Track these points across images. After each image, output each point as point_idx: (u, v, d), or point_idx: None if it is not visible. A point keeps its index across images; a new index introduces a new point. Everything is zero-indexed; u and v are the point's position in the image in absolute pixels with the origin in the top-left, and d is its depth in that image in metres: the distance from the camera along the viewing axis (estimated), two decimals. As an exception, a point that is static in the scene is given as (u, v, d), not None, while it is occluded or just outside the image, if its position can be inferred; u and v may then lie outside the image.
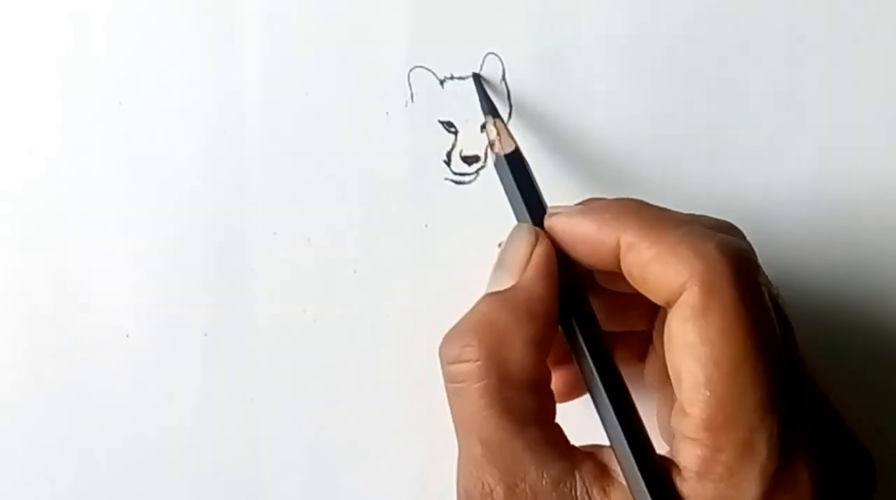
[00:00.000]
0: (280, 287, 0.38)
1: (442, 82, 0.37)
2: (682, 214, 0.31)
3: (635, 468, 0.28)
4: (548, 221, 0.32)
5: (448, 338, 0.30)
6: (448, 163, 0.37)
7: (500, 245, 0.32)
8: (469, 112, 0.37)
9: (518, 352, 0.29)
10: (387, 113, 0.37)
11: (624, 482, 0.29)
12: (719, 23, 0.37)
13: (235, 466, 0.38)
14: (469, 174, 0.37)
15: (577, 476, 0.29)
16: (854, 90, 0.37)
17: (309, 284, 0.38)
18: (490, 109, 0.35)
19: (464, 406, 0.29)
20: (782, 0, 0.37)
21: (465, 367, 0.29)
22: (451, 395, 0.30)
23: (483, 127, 0.36)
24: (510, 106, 0.37)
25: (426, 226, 0.37)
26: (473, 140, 0.37)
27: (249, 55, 0.37)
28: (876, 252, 0.37)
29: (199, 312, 0.38)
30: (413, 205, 0.37)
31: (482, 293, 0.31)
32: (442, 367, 0.30)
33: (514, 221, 0.33)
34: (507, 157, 0.34)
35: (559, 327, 0.31)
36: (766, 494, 0.27)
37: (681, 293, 0.27)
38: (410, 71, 0.37)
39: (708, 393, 0.27)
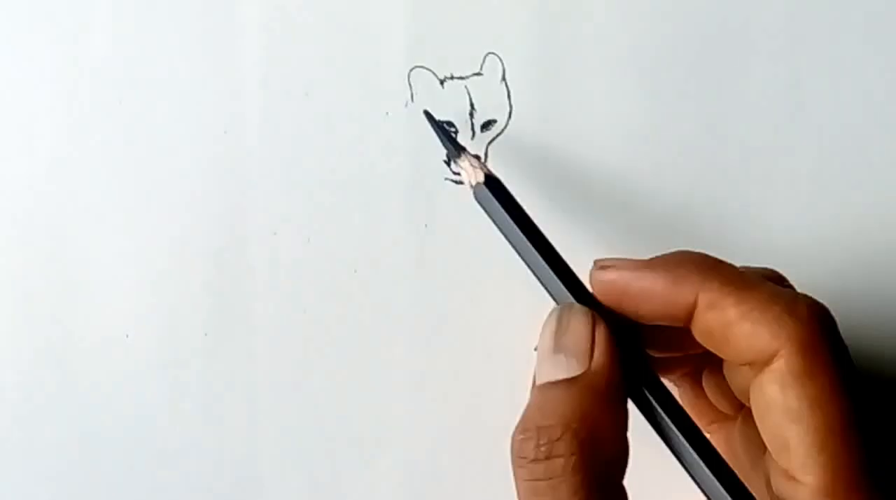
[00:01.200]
0: (280, 287, 0.38)
1: (442, 82, 0.37)
2: (750, 268, 0.30)
3: None
4: (604, 275, 0.30)
5: (526, 435, 0.28)
6: (448, 163, 0.37)
7: (535, 349, 0.30)
8: (469, 112, 0.37)
9: (611, 438, 0.28)
10: (387, 113, 0.37)
11: None
12: (719, 23, 0.37)
13: (235, 466, 0.38)
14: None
15: None
16: (854, 90, 0.37)
17: (309, 284, 0.38)
18: (453, 149, 0.35)
19: (555, 496, 0.27)
20: (782, 0, 0.37)
21: (558, 462, 0.27)
22: (535, 494, 0.28)
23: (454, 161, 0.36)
24: (510, 106, 0.37)
25: (426, 226, 0.37)
26: (473, 140, 0.37)
27: (249, 55, 0.37)
28: (876, 252, 0.37)
29: (199, 312, 0.38)
30: (413, 205, 0.37)
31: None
32: (521, 466, 0.28)
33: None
34: (487, 184, 0.33)
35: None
36: None
37: (771, 356, 0.27)
38: (410, 71, 0.37)
39: (823, 459, 0.26)
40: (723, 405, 0.34)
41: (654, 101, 0.37)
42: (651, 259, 0.30)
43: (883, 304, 0.37)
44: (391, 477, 0.38)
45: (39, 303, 0.38)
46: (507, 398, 0.38)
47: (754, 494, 0.28)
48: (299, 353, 0.38)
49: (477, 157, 0.35)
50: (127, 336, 0.38)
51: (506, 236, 0.33)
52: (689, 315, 0.28)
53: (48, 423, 0.38)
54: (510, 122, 0.37)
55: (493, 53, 0.37)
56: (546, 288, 0.32)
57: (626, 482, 0.29)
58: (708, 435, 0.31)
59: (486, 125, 0.37)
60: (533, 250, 0.32)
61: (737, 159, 0.37)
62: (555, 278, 0.31)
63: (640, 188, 0.37)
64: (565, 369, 0.29)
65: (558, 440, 0.28)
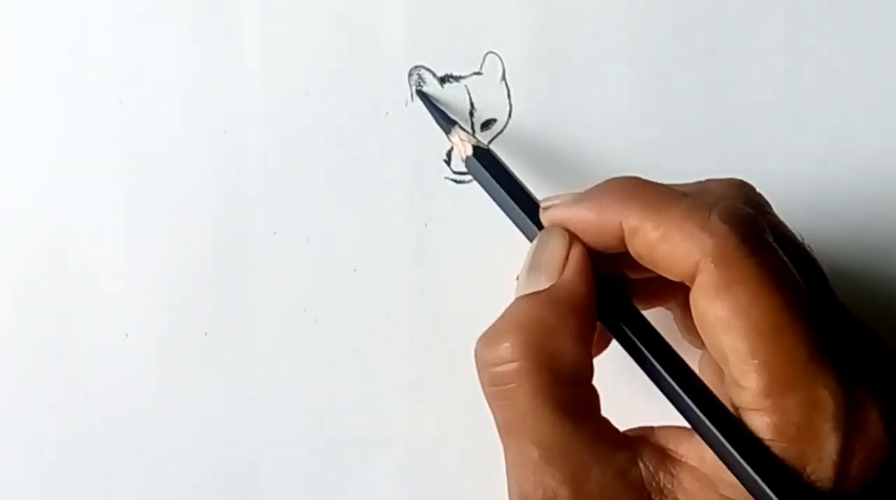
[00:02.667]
0: (280, 287, 0.38)
1: (442, 82, 0.37)
2: (684, 185, 0.30)
3: (726, 445, 0.27)
4: (543, 215, 0.31)
5: (486, 339, 0.29)
6: (448, 162, 0.37)
7: (517, 278, 0.31)
8: (469, 111, 0.37)
9: (568, 348, 0.28)
10: (387, 112, 0.37)
11: (688, 461, 0.28)
12: (719, 23, 0.37)
13: (235, 466, 0.38)
14: (469, 174, 0.37)
15: (641, 464, 0.28)
16: (854, 90, 0.37)
17: (309, 284, 0.38)
18: (445, 123, 0.36)
19: (513, 409, 0.28)
20: (782, 0, 0.37)
21: (511, 367, 0.28)
22: (496, 398, 0.29)
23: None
24: (510, 106, 0.37)
25: (426, 226, 0.37)
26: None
27: (249, 55, 0.37)
28: (877, 252, 0.37)
29: (199, 312, 0.38)
30: (413, 205, 0.37)
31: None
32: (480, 371, 0.29)
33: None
34: (477, 155, 0.34)
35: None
36: (843, 440, 0.26)
37: (695, 270, 0.27)
38: (410, 70, 0.37)
39: (756, 362, 0.26)
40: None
41: (654, 100, 0.37)
42: (583, 192, 0.31)
43: (883, 304, 0.37)
44: (391, 477, 0.38)
45: (39, 303, 0.38)
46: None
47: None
48: (299, 353, 0.38)
49: (466, 131, 0.35)
50: (127, 336, 0.38)
51: (500, 206, 0.33)
52: (623, 242, 0.29)
53: (48, 423, 0.38)
54: (510, 121, 0.37)
55: (493, 53, 0.37)
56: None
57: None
58: (701, 356, 0.32)
59: (486, 125, 0.37)
60: (523, 215, 0.33)
61: (737, 159, 0.37)
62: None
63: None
64: (536, 283, 0.30)
65: (512, 345, 0.28)
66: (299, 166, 0.37)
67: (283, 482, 0.38)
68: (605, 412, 0.30)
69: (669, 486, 0.28)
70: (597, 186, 0.30)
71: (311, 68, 0.37)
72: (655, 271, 0.29)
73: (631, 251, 0.29)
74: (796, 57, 0.37)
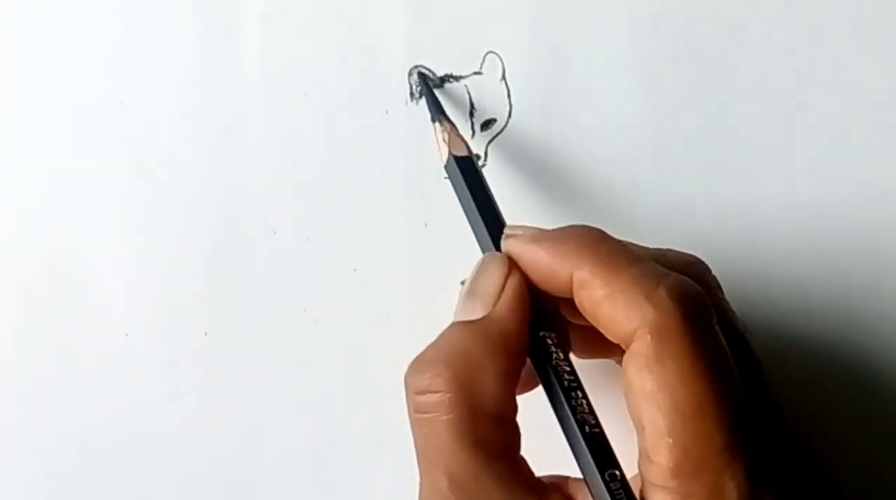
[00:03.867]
0: (280, 287, 0.38)
1: (442, 82, 0.37)
2: (642, 249, 0.30)
3: None
4: (504, 244, 0.31)
5: (416, 366, 0.29)
6: (448, 162, 0.37)
7: (462, 283, 0.31)
8: (469, 111, 0.37)
9: (490, 386, 0.28)
10: (387, 112, 0.37)
11: None
12: (719, 23, 0.37)
13: (235, 466, 0.38)
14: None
15: None
16: (854, 90, 0.37)
17: (309, 284, 0.38)
18: (436, 113, 0.35)
19: (430, 438, 0.28)
20: (782, 0, 0.37)
21: (434, 398, 0.28)
22: (417, 425, 0.29)
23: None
24: (510, 106, 0.37)
25: (426, 225, 0.37)
26: (473, 139, 0.37)
27: (249, 55, 0.37)
28: (876, 254, 0.37)
29: (199, 312, 0.38)
30: (413, 204, 0.37)
31: None
32: (407, 395, 0.29)
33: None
34: (458, 160, 0.34)
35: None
36: None
37: (630, 338, 0.27)
38: (410, 70, 0.37)
39: (671, 440, 0.26)
40: None
41: (654, 100, 0.37)
42: (544, 232, 0.30)
43: (884, 303, 0.37)
44: (391, 477, 0.38)
45: (39, 303, 0.38)
46: (507, 398, 0.38)
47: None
48: (299, 353, 0.38)
49: (453, 126, 0.35)
50: (127, 336, 0.38)
51: (466, 215, 0.33)
52: (571, 290, 0.29)
53: (48, 423, 0.38)
54: (510, 121, 0.37)
55: (493, 52, 0.37)
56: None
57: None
58: None
59: (486, 124, 0.37)
60: (485, 231, 0.32)
61: (737, 159, 0.37)
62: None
63: (639, 187, 0.37)
64: (472, 310, 0.30)
65: (438, 375, 0.28)
66: (299, 166, 0.37)
67: (283, 482, 0.38)
68: (532, 450, 0.30)
69: None
70: (560, 228, 0.30)
71: (311, 68, 0.37)
72: (595, 326, 0.29)
73: (576, 302, 0.29)
74: (796, 57, 0.37)
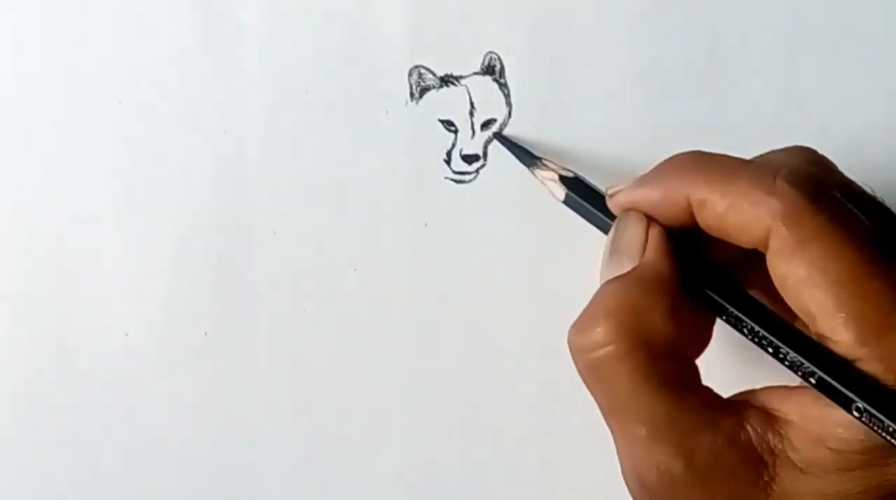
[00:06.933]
0: (280, 287, 0.38)
1: (442, 82, 0.37)
2: (743, 159, 0.30)
3: (855, 388, 0.27)
4: (611, 202, 0.32)
5: (578, 327, 0.29)
6: (448, 162, 0.37)
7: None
8: (469, 111, 0.37)
9: (659, 325, 0.29)
10: (387, 112, 0.37)
11: (793, 419, 0.28)
12: (719, 23, 0.37)
13: (235, 466, 0.38)
14: (469, 173, 0.37)
15: (749, 427, 0.28)
16: (854, 90, 0.37)
17: (309, 284, 0.38)
18: (526, 159, 0.36)
19: (613, 391, 0.29)
20: (782, 0, 0.37)
21: (607, 351, 0.28)
22: (595, 383, 0.29)
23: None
24: (510, 106, 0.37)
25: (426, 225, 0.37)
26: (473, 139, 0.37)
27: (249, 55, 0.37)
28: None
29: (199, 311, 0.38)
30: (413, 204, 0.37)
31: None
32: (577, 357, 0.29)
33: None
34: (570, 190, 0.34)
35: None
36: None
37: (768, 235, 0.27)
38: (410, 70, 0.37)
39: (843, 315, 0.27)
40: None
41: (654, 100, 0.37)
42: (643, 175, 0.31)
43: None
44: (391, 477, 0.38)
45: (39, 303, 0.38)
46: (507, 398, 0.38)
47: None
48: (299, 352, 0.38)
49: (551, 168, 0.35)
50: (127, 336, 0.38)
51: (597, 227, 0.34)
52: (692, 216, 0.29)
53: (48, 423, 0.38)
54: (510, 121, 0.37)
55: (493, 53, 0.37)
56: None
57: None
58: None
59: (486, 124, 0.37)
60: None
61: (737, 159, 0.37)
62: None
63: (640, 188, 0.37)
64: (620, 267, 0.30)
65: (605, 329, 0.28)
66: (299, 166, 0.37)
67: (283, 482, 0.38)
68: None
69: (780, 446, 0.28)
70: (658, 165, 0.31)
71: (311, 68, 0.37)
72: (728, 240, 0.29)
73: (701, 224, 0.29)
74: (796, 56, 0.37)
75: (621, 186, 0.32)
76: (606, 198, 0.32)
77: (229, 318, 0.38)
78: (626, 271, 0.30)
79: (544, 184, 0.35)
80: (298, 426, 0.38)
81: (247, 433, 0.38)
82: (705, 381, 0.30)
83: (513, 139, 0.37)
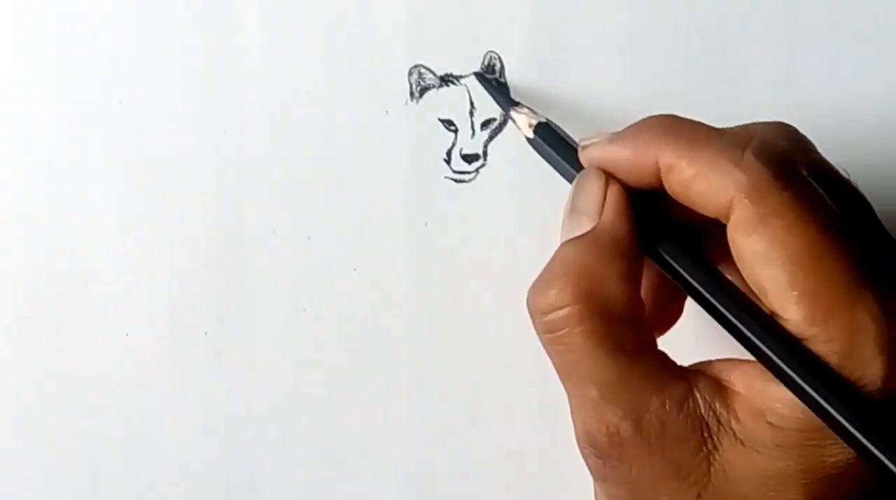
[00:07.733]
0: (280, 287, 0.38)
1: (442, 82, 0.37)
2: (727, 129, 0.30)
3: (795, 366, 0.27)
4: (582, 154, 0.32)
5: (537, 288, 0.30)
6: (448, 161, 0.37)
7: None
8: (468, 110, 0.37)
9: (615, 289, 0.29)
10: (387, 111, 0.37)
11: (741, 391, 0.28)
12: (719, 22, 0.37)
13: (235, 466, 0.38)
14: (469, 173, 0.37)
15: (698, 395, 0.28)
16: (854, 90, 0.37)
17: (309, 283, 0.38)
18: (503, 101, 0.36)
19: (569, 352, 0.29)
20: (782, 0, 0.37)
21: (563, 312, 0.29)
22: (552, 344, 0.29)
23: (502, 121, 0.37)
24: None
25: (426, 225, 0.37)
26: (473, 138, 0.37)
27: (249, 55, 0.37)
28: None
29: (199, 311, 0.38)
30: (413, 204, 0.37)
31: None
32: (534, 319, 0.30)
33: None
34: (536, 132, 0.34)
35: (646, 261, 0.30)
36: (888, 362, 0.26)
37: (730, 206, 0.27)
38: (410, 69, 0.37)
39: (796, 293, 0.27)
40: None
41: (654, 100, 0.37)
42: (618, 131, 0.31)
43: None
44: (391, 477, 0.38)
45: (40, 303, 0.38)
46: (506, 398, 0.38)
47: None
48: (299, 352, 0.38)
49: (524, 113, 0.35)
50: (127, 336, 0.38)
51: (559, 172, 0.34)
52: (659, 179, 0.29)
53: (48, 422, 0.38)
54: (510, 121, 0.37)
55: (493, 52, 0.37)
56: None
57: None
58: None
59: (486, 124, 0.37)
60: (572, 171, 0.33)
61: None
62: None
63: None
64: (578, 227, 0.30)
65: (561, 290, 0.29)
66: (299, 166, 0.38)
67: (283, 481, 0.38)
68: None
69: (725, 415, 0.28)
70: (634, 124, 0.31)
71: (311, 68, 0.37)
72: (691, 207, 0.29)
73: (667, 188, 0.29)
74: (796, 56, 0.37)
75: (595, 139, 0.31)
76: (579, 150, 0.32)
77: (229, 318, 0.38)
78: (584, 230, 0.30)
79: (516, 124, 0.35)
80: (298, 425, 0.38)
81: (247, 432, 0.38)
82: (678, 353, 0.30)
83: (490, 79, 0.37)
